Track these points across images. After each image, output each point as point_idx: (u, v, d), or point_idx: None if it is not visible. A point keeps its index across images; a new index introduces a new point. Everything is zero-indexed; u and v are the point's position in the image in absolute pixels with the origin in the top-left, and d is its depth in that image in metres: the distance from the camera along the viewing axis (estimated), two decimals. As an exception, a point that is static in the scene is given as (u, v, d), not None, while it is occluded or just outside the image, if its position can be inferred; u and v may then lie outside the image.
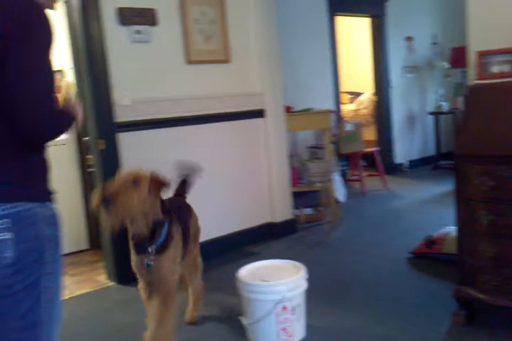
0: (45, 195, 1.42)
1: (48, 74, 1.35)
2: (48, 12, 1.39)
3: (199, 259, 2.83)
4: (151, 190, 2.08)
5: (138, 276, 2.32)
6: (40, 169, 1.43)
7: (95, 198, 1.95)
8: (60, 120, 1.40)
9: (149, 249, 2.17)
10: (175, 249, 2.27)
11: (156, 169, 2.25)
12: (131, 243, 2.26)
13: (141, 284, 2.36)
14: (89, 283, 3.58)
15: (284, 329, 2.45)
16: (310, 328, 2.59)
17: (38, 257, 1.38)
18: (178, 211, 2.46)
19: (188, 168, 2.71)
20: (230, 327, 2.71)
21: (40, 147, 1.44)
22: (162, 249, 2.19)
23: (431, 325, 2.56)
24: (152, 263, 2.18)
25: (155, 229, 2.18)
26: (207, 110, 3.89)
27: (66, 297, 3.33)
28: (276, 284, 2.43)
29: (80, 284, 3.57)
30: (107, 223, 1.98)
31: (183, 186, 2.73)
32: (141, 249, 2.20)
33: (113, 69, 3.41)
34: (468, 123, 2.52)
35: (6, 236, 1.33)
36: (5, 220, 1.32)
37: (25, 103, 1.30)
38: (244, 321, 2.54)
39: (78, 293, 3.40)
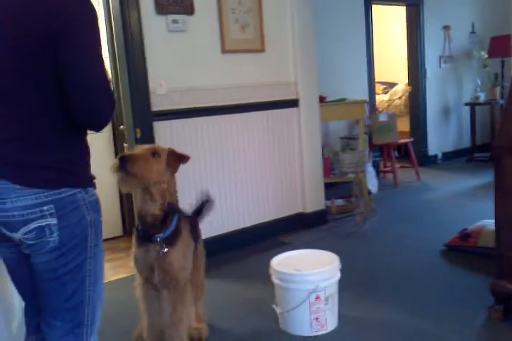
0: (86, 181, 1.46)
1: (103, 64, 1.41)
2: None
3: (203, 287, 2.56)
4: (169, 162, 2.05)
5: (137, 271, 2.22)
6: (82, 155, 1.47)
7: (115, 159, 1.94)
8: (114, 104, 1.45)
9: (156, 239, 2.08)
10: (184, 245, 2.16)
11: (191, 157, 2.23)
12: (134, 233, 2.17)
13: (138, 281, 2.25)
14: (124, 269, 3.65)
15: (316, 318, 2.46)
16: (343, 318, 2.60)
17: (80, 241, 1.43)
18: (191, 224, 2.34)
19: (206, 197, 2.65)
20: (263, 316, 2.73)
21: (84, 133, 1.47)
22: (171, 241, 2.09)
23: (466, 320, 2.54)
24: (164, 251, 2.07)
25: (166, 216, 2.08)
26: (241, 99, 3.89)
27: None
28: (310, 274, 2.44)
29: (115, 270, 3.64)
30: (123, 185, 1.95)
31: (200, 210, 2.61)
32: (147, 238, 2.10)
33: (149, 58, 3.44)
34: (509, 114, 2.46)
35: (50, 221, 1.37)
36: (49, 206, 1.36)
37: (93, 86, 1.36)
38: (278, 310, 2.56)
39: (114, 278, 3.47)
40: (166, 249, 2.07)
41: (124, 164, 1.89)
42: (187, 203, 3.58)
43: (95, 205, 1.47)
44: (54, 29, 1.30)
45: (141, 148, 2.04)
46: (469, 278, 3.07)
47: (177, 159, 2.11)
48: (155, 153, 2.02)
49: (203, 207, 2.60)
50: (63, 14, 1.32)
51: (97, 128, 1.44)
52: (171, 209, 2.12)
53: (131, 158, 1.91)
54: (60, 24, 1.30)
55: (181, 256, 2.15)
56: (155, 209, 2.06)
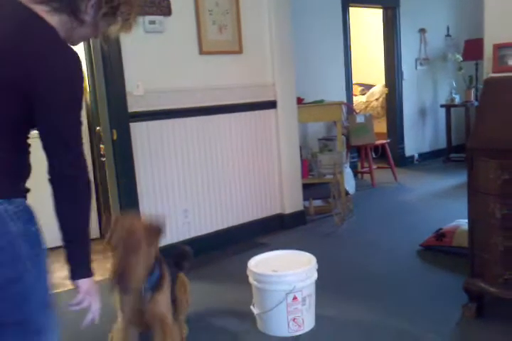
0: (12, 192, 1.36)
1: (77, 125, 1.37)
2: (76, 55, 1.35)
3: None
4: (149, 245, 2.05)
5: (121, 315, 2.20)
6: (13, 166, 1.38)
7: (110, 280, 1.97)
8: (84, 167, 1.41)
9: (143, 287, 2.11)
10: (167, 289, 2.22)
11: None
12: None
13: (119, 325, 2.21)
14: (101, 271, 3.60)
15: (294, 319, 2.47)
16: (320, 319, 2.61)
17: (11, 255, 1.33)
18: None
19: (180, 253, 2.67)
20: (241, 317, 2.73)
21: (24, 148, 1.41)
22: (155, 287, 2.15)
23: (441, 318, 2.57)
24: (149, 298, 2.12)
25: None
26: (219, 101, 3.89)
27: (78, 284, 3.37)
28: (286, 274, 2.45)
29: (91, 272, 3.60)
30: (122, 294, 2.08)
31: (180, 263, 2.62)
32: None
33: (126, 59, 3.42)
34: (483, 116, 2.51)
35: None
36: None
37: (60, 141, 1.33)
38: (255, 311, 2.56)
39: (90, 280, 3.43)
40: (149, 296, 2.13)
41: (121, 283, 1.95)
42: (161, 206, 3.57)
43: (24, 215, 1.35)
44: (26, 86, 1.26)
45: (121, 250, 1.99)
46: (444, 277, 3.11)
47: (154, 238, 2.09)
48: (135, 248, 1.99)
49: (181, 260, 2.63)
50: (37, 74, 1.26)
51: (61, 174, 1.36)
52: (155, 259, 2.16)
53: (123, 274, 1.94)
54: (32, 83, 1.26)
55: (164, 303, 2.19)
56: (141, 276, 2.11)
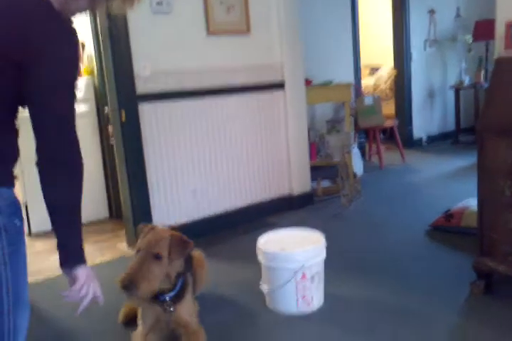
0: None
1: (71, 103, 1.30)
2: (73, 25, 1.30)
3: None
4: (173, 257, 2.06)
5: (143, 323, 2.20)
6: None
7: (118, 283, 1.95)
8: (78, 150, 1.34)
9: (165, 298, 2.13)
10: (190, 298, 2.24)
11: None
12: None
13: (139, 332, 2.19)
14: (109, 251, 3.65)
15: (303, 296, 2.49)
16: (329, 296, 2.64)
17: None
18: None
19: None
20: (250, 295, 2.76)
21: (12, 128, 1.33)
22: (177, 298, 2.16)
23: (449, 295, 2.59)
24: (172, 310, 2.13)
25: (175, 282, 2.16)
26: (226, 82, 3.88)
27: (88, 264, 3.41)
28: (295, 253, 2.47)
29: (101, 251, 3.65)
30: (134, 302, 2.07)
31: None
32: (155, 298, 2.14)
33: (133, 41, 3.41)
34: (493, 96, 2.49)
35: None
36: None
37: (48, 132, 1.26)
38: (264, 289, 2.59)
39: (100, 260, 3.48)
40: (172, 309, 2.13)
41: (129, 288, 1.92)
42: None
43: (7, 207, 1.27)
44: (17, 57, 1.19)
45: (142, 255, 2.01)
46: (453, 256, 3.13)
47: (181, 251, 2.11)
48: (157, 256, 2.02)
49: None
50: (27, 47, 1.19)
51: (51, 157, 1.29)
52: (179, 273, 2.17)
53: (134, 280, 1.93)
54: (24, 54, 1.20)
55: (187, 312, 2.19)
56: (164, 288, 2.13)
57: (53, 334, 2.49)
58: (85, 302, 1.43)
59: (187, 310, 2.18)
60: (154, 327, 2.16)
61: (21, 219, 1.32)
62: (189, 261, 2.28)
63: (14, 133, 1.32)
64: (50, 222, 1.35)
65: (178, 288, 2.16)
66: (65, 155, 1.30)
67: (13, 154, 1.31)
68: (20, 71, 1.21)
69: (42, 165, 1.29)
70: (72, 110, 1.30)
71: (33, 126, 1.26)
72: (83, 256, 1.40)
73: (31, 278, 3.15)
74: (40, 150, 1.28)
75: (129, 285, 1.91)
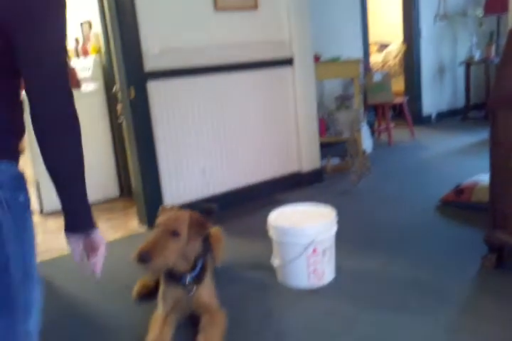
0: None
1: (64, 58, 1.23)
2: None
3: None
4: (190, 236, 2.08)
5: (163, 305, 2.20)
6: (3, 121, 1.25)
7: (134, 255, 1.97)
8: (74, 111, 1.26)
9: (185, 280, 2.15)
10: (210, 280, 2.26)
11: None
12: (162, 274, 2.24)
13: (160, 313, 2.18)
14: (122, 228, 3.69)
15: (314, 271, 2.51)
16: (340, 271, 2.66)
17: None
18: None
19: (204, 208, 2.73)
20: (260, 270, 2.78)
21: (16, 100, 1.28)
22: (198, 280, 2.18)
23: (461, 269, 2.60)
24: (192, 292, 2.16)
25: (194, 264, 2.18)
26: (234, 58, 3.85)
27: (101, 241, 3.45)
28: (306, 227, 2.48)
29: (113, 229, 3.68)
30: (148, 274, 2.04)
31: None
32: (174, 277, 2.18)
33: (141, 17, 3.38)
34: (505, 68, 2.45)
35: None
36: None
37: (42, 90, 1.19)
38: (275, 263, 2.61)
39: (112, 238, 3.51)
40: (194, 288, 2.16)
41: (143, 259, 1.94)
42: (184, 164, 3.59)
43: (9, 181, 1.23)
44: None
45: (161, 230, 2.04)
46: (463, 230, 3.13)
47: (199, 232, 2.13)
48: (174, 232, 2.04)
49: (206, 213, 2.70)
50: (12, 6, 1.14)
51: (51, 110, 1.22)
52: (198, 255, 2.19)
53: (149, 252, 1.95)
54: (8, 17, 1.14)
55: (207, 293, 2.22)
56: (181, 268, 2.16)
57: (68, 310, 2.53)
58: (93, 266, 1.40)
59: (207, 291, 2.21)
60: (174, 309, 2.18)
61: (26, 195, 1.28)
62: (207, 242, 2.30)
63: (17, 105, 1.28)
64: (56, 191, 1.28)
65: (197, 269, 2.18)
66: (64, 109, 1.23)
67: (15, 127, 1.27)
68: (9, 32, 1.15)
69: (39, 126, 1.22)
70: (66, 65, 1.25)
71: (26, 88, 1.20)
72: (94, 219, 1.34)
73: (44, 256, 3.20)
74: (36, 109, 1.21)
75: (144, 257, 1.93)
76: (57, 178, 1.27)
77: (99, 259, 1.39)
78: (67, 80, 1.24)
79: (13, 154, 1.26)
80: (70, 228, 1.31)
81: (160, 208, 2.27)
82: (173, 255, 2.03)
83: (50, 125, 1.22)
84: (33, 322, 1.37)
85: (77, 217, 1.31)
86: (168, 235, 2.03)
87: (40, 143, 1.23)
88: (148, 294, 2.50)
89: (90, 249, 1.37)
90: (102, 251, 1.38)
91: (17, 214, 1.25)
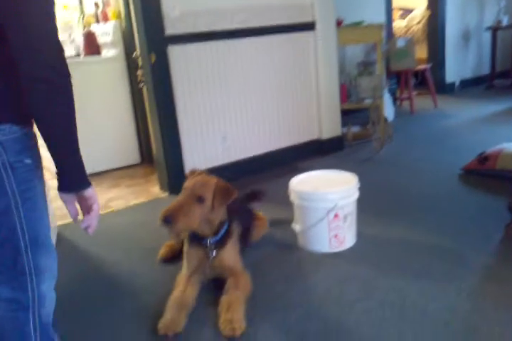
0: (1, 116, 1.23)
1: (51, 10, 1.18)
2: None
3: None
4: (215, 203, 2.09)
5: (187, 265, 2.24)
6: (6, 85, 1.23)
7: (159, 216, 1.99)
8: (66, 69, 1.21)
9: (206, 241, 2.18)
10: (234, 245, 2.26)
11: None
12: (187, 235, 2.27)
13: (184, 273, 2.22)
14: (144, 194, 3.72)
15: (335, 236, 2.52)
16: (361, 236, 2.66)
17: None
18: (241, 212, 2.49)
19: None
20: (281, 235, 2.80)
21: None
22: (220, 244, 2.20)
23: (483, 237, 2.58)
24: (213, 254, 2.19)
25: (218, 229, 2.21)
26: (256, 23, 3.78)
27: (124, 206, 3.49)
28: (328, 192, 2.47)
29: (135, 194, 3.72)
30: (171, 236, 2.04)
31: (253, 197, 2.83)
32: (198, 239, 2.21)
33: (161, -21, 3.32)
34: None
35: None
36: None
37: (29, 47, 1.15)
38: (297, 228, 2.62)
39: (134, 202, 3.55)
40: (214, 252, 2.19)
41: (168, 221, 1.96)
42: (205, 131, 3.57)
43: (13, 145, 1.23)
44: None
45: (186, 195, 2.06)
46: (486, 199, 3.10)
47: (224, 199, 2.13)
48: (200, 198, 2.05)
49: (253, 197, 2.81)
50: None
51: (41, 71, 1.17)
52: (221, 224, 2.22)
53: (174, 215, 1.97)
54: None
55: (230, 257, 2.24)
56: (205, 232, 2.19)
57: (93, 272, 2.58)
58: (88, 221, 1.39)
59: (230, 255, 2.23)
60: (197, 270, 2.22)
61: (33, 157, 1.28)
62: (233, 211, 2.31)
63: (13, 68, 1.22)
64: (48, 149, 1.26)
65: (220, 234, 2.21)
66: (52, 63, 1.17)
67: (15, 90, 1.22)
68: None
69: (27, 84, 1.17)
70: (54, 19, 1.19)
71: (12, 45, 1.15)
72: (86, 178, 1.34)
73: (71, 219, 3.25)
74: (22, 64, 1.15)
75: (168, 219, 1.96)
76: (47, 139, 1.24)
77: (93, 220, 1.39)
78: (51, 31, 1.18)
79: (18, 117, 1.24)
80: (63, 188, 1.31)
81: (189, 171, 2.30)
82: (197, 220, 2.05)
83: (37, 82, 1.17)
84: (47, 288, 1.39)
85: (69, 177, 1.30)
86: (193, 200, 2.05)
87: (29, 98, 1.19)
88: (174, 257, 2.55)
89: (85, 209, 1.38)
90: (95, 212, 1.38)
91: (23, 177, 1.25)
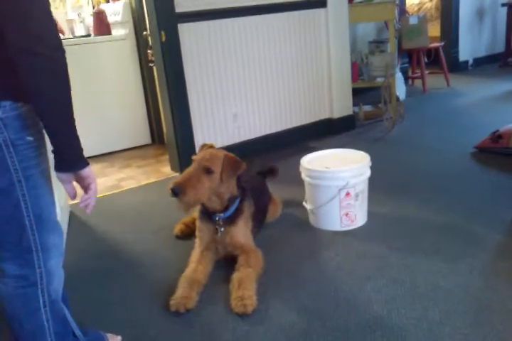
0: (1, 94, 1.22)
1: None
2: None
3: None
4: (224, 175, 2.09)
5: (200, 240, 2.27)
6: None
7: (167, 187, 1.99)
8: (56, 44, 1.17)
9: (216, 218, 2.19)
10: (244, 223, 2.26)
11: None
12: (199, 208, 2.28)
13: (196, 250, 2.24)
14: (155, 174, 3.73)
15: (346, 214, 2.51)
16: (372, 215, 2.66)
17: None
18: (257, 193, 2.49)
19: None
20: (292, 213, 2.80)
21: None
22: (231, 220, 2.21)
23: (496, 215, 2.56)
24: (222, 230, 2.19)
25: (228, 204, 2.20)
26: (267, 0, 3.73)
27: (135, 185, 3.51)
28: (340, 170, 2.46)
29: (146, 175, 3.73)
30: (179, 208, 2.02)
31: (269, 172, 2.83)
32: (208, 214, 2.23)
33: (170, -44, 3.27)
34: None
35: None
36: None
37: (15, 21, 1.12)
38: (308, 206, 2.62)
39: (145, 182, 3.56)
40: (222, 229, 2.19)
41: (176, 192, 1.96)
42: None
43: (13, 122, 1.22)
44: None
45: (195, 167, 2.06)
46: (499, 177, 3.07)
47: (232, 171, 2.13)
48: (208, 170, 2.05)
49: (267, 173, 2.80)
50: None
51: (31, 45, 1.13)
52: (232, 199, 2.21)
53: (182, 186, 1.97)
54: None
55: (241, 234, 2.23)
56: (215, 206, 2.19)
57: (105, 250, 2.61)
58: (87, 199, 1.40)
59: (240, 232, 2.23)
60: (210, 247, 2.24)
61: (35, 135, 1.28)
62: (245, 188, 2.32)
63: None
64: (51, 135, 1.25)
65: (230, 211, 2.21)
66: (41, 31, 1.14)
67: (13, 67, 1.19)
68: None
69: (14, 53, 1.14)
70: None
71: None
72: (83, 158, 1.33)
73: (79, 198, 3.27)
74: (10, 31, 1.12)
75: (177, 190, 1.96)
76: (43, 119, 1.23)
77: (91, 200, 1.40)
78: (46, 29, 1.15)
79: (18, 94, 1.23)
80: (59, 167, 1.31)
81: (201, 145, 2.32)
82: (205, 191, 2.06)
83: (23, 53, 1.14)
84: (55, 265, 1.40)
85: (65, 157, 1.29)
86: (202, 172, 2.06)
87: (21, 75, 1.16)
88: (189, 234, 2.57)
89: (83, 188, 1.39)
90: (93, 191, 1.39)
91: (25, 154, 1.26)
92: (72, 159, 1.30)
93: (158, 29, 3.34)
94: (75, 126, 1.27)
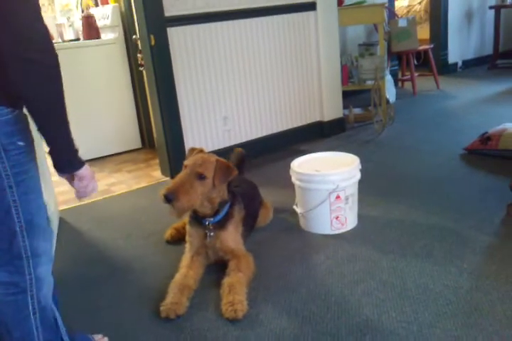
0: None
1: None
2: None
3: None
4: (216, 181, 2.09)
5: (190, 245, 2.26)
6: None
7: (160, 193, 1.99)
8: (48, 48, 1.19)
9: (206, 222, 2.19)
10: (234, 228, 2.26)
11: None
12: (189, 213, 2.27)
13: (187, 255, 2.24)
14: (145, 178, 3.72)
15: (337, 217, 2.51)
16: (363, 218, 2.66)
17: None
18: (248, 197, 2.49)
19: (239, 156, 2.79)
20: (283, 217, 2.80)
21: None
22: (220, 225, 2.20)
23: (485, 217, 2.57)
24: (212, 234, 2.19)
25: (218, 209, 2.21)
26: (256, 3, 3.74)
27: (125, 190, 3.49)
28: (330, 174, 2.46)
29: (137, 179, 3.71)
30: (172, 214, 2.02)
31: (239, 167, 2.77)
32: (198, 219, 2.23)
33: (159, -40, 3.27)
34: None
35: None
36: None
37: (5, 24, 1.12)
38: (299, 210, 2.62)
39: (136, 187, 3.55)
40: (212, 233, 2.19)
41: (169, 198, 1.95)
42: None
43: (4, 127, 1.22)
44: None
45: (187, 173, 2.05)
46: (488, 178, 3.09)
47: (224, 176, 2.13)
48: (201, 175, 2.05)
49: (240, 164, 2.75)
50: None
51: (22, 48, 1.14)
52: (223, 203, 2.22)
53: (175, 192, 1.97)
54: None
55: (231, 239, 2.23)
56: (205, 211, 2.19)
57: (95, 256, 2.59)
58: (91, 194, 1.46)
59: (230, 237, 2.23)
60: (200, 251, 2.23)
61: (26, 140, 1.28)
62: (235, 193, 2.32)
63: None
64: (44, 134, 1.27)
65: (220, 216, 2.21)
66: (31, 34, 1.14)
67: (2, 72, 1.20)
68: None
69: (13, 61, 1.14)
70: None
71: None
72: (78, 158, 1.36)
73: (72, 204, 3.26)
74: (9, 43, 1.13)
75: (169, 196, 1.96)
76: (37, 121, 1.24)
77: (82, 191, 1.43)
78: (38, 31, 1.15)
79: (8, 99, 1.23)
80: (57, 168, 1.35)
81: (189, 149, 2.31)
82: (198, 197, 2.06)
83: (13, 57, 1.14)
84: (44, 271, 1.40)
85: (61, 159, 1.33)
86: (195, 177, 2.05)
87: (14, 78, 1.17)
88: (179, 239, 2.56)
89: (82, 187, 1.42)
90: (88, 181, 1.41)
91: (17, 160, 1.26)
92: (66, 161, 1.34)
93: (148, 33, 3.33)
94: (69, 128, 1.29)
